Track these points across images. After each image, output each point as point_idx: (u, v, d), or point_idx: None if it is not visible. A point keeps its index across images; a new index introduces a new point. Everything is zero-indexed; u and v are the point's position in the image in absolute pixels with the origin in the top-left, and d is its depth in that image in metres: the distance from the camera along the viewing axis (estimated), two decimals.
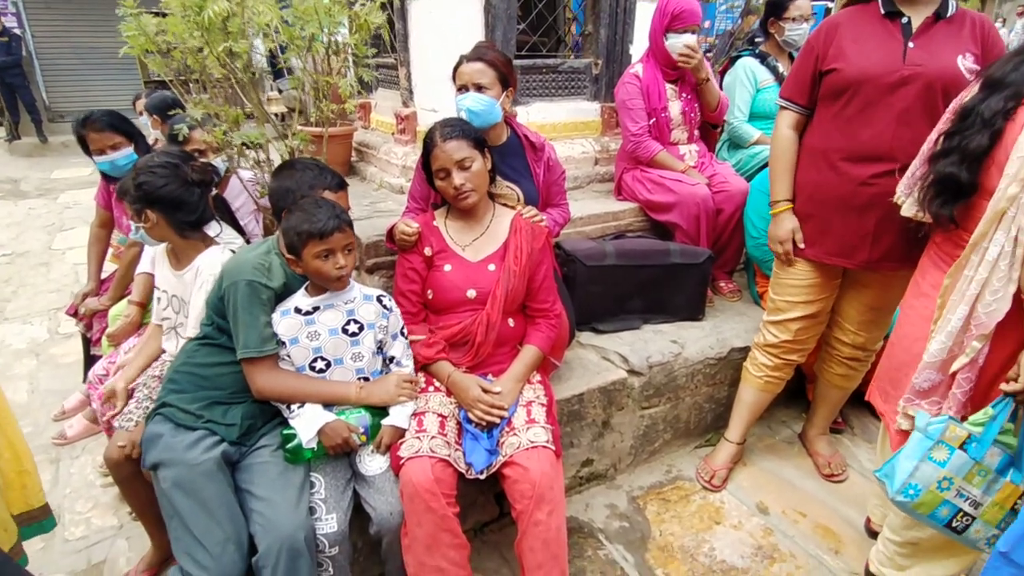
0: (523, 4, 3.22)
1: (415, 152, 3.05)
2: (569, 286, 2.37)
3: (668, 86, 2.78)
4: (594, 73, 3.29)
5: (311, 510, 1.55)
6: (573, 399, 2.12)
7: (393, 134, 3.30)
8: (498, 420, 1.69)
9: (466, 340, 1.82)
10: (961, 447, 1.40)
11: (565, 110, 3.27)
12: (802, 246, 2.02)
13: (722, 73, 3.26)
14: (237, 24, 1.95)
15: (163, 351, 1.94)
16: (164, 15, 2.15)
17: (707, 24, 10.68)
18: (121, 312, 2.29)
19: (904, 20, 1.75)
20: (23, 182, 7.58)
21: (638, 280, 2.50)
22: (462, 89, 2.01)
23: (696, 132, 2.93)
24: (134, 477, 1.77)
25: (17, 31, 9.36)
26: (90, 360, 2.76)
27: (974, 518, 1.42)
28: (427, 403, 1.73)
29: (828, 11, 8.79)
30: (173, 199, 1.74)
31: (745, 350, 2.44)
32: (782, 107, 2.00)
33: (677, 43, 2.64)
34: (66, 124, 10.06)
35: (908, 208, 1.58)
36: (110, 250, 2.87)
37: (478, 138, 1.83)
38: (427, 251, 1.87)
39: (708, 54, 6.79)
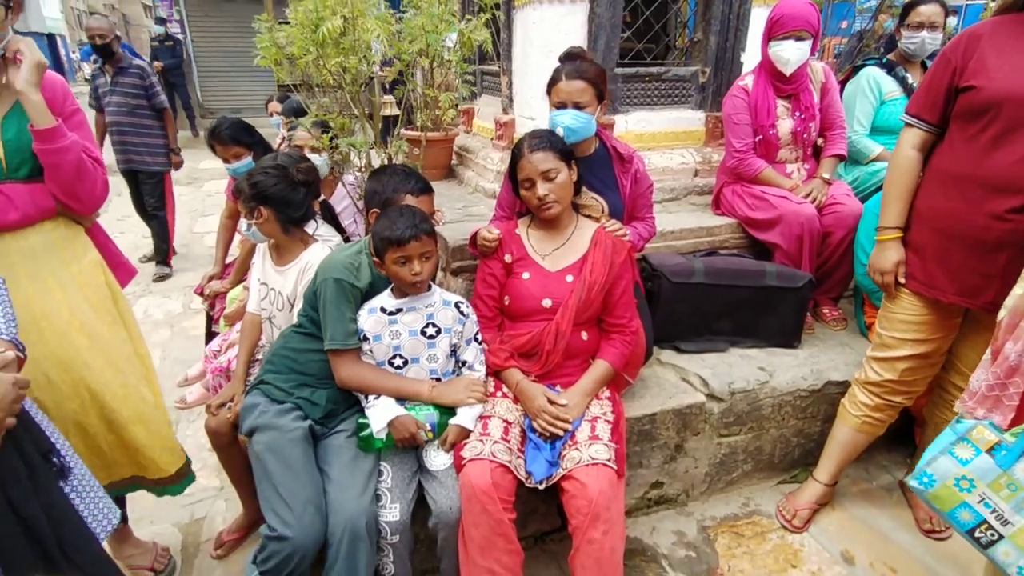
0: (631, 10, 3.18)
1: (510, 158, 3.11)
2: (652, 302, 2.32)
3: (779, 102, 2.62)
4: (700, 81, 3.17)
5: (377, 497, 1.64)
6: (644, 418, 2.07)
7: (492, 140, 3.39)
8: (561, 432, 1.70)
9: (536, 349, 1.84)
10: (989, 451, 1.29)
11: (666, 119, 3.19)
12: (902, 280, 1.84)
13: (843, 83, 3.02)
14: (349, 41, 2.10)
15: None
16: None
17: (844, 24, 9.92)
18: (237, 296, 2.54)
19: None
20: (175, 171, 8.56)
21: (728, 301, 2.39)
22: (560, 106, 2.01)
23: (809, 151, 2.75)
24: (231, 445, 1.97)
25: (180, 36, 10.62)
26: (211, 335, 3.10)
27: (1001, 536, 1.30)
28: (494, 408, 1.77)
29: (987, 8, 7.83)
30: (282, 197, 1.92)
31: (844, 384, 2.25)
32: (907, 124, 1.82)
33: (780, 52, 2.48)
34: (215, 120, 11.29)
35: None
36: (237, 237, 3.20)
37: (565, 150, 1.84)
38: (507, 258, 1.91)
39: (836, 59, 6.30)
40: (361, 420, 1.70)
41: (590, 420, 1.75)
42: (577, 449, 1.67)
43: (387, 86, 6.10)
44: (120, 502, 1.93)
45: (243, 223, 2.04)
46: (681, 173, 3.16)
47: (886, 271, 1.86)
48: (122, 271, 1.95)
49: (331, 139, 2.27)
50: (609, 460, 1.62)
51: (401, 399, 1.72)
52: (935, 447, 1.37)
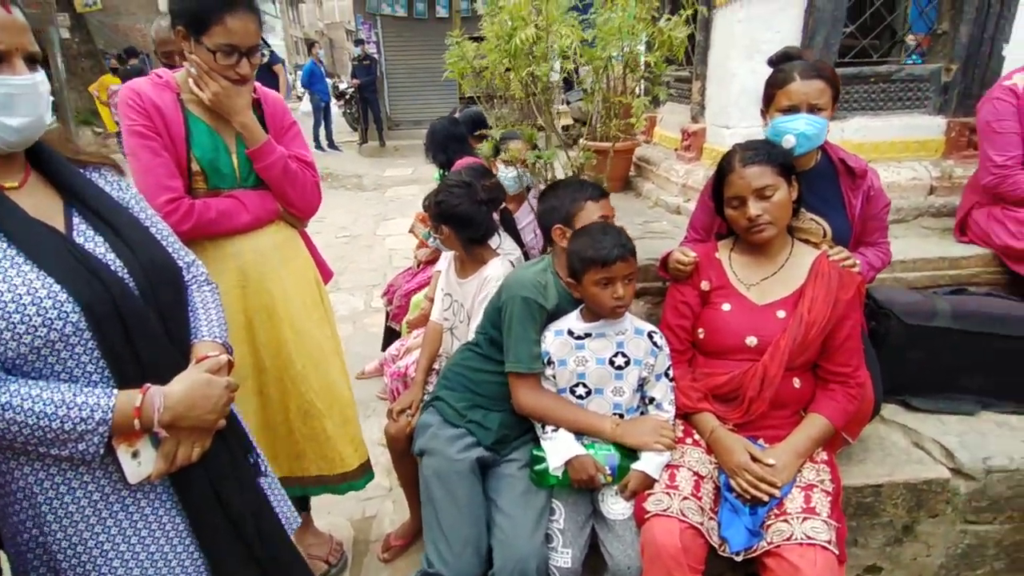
0: (854, 3, 2.76)
1: (698, 170, 2.85)
2: (877, 346, 1.93)
3: None
4: (943, 81, 2.65)
5: (548, 537, 1.53)
6: (866, 489, 1.71)
7: (676, 150, 3.15)
8: (766, 498, 1.43)
9: (736, 393, 1.59)
10: None
11: (893, 126, 2.71)
12: None
13: None
14: (541, 49, 2.03)
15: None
16: (481, 40, 2.38)
17: None
18: (420, 304, 2.61)
19: None
20: (364, 178, 9.43)
21: (982, 351, 1.91)
22: (791, 110, 1.71)
23: None
24: (406, 453, 1.98)
25: (375, 55, 11.69)
26: (388, 331, 3.26)
27: None
28: (683, 457, 1.56)
29: None
30: (463, 217, 1.90)
31: None
32: None
33: None
34: (400, 131, 12.25)
35: None
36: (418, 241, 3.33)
37: (785, 164, 1.57)
38: (704, 285, 1.69)
39: None
40: (536, 452, 1.59)
41: (803, 487, 1.46)
42: (787, 521, 1.39)
43: (563, 97, 6.11)
44: (304, 500, 2.06)
45: (425, 233, 2.06)
46: (911, 190, 2.65)
47: None
48: (323, 271, 2.07)
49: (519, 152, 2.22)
50: (829, 542, 1.33)
51: (580, 433, 1.58)
52: None
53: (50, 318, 0.96)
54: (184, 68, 1.63)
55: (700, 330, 1.68)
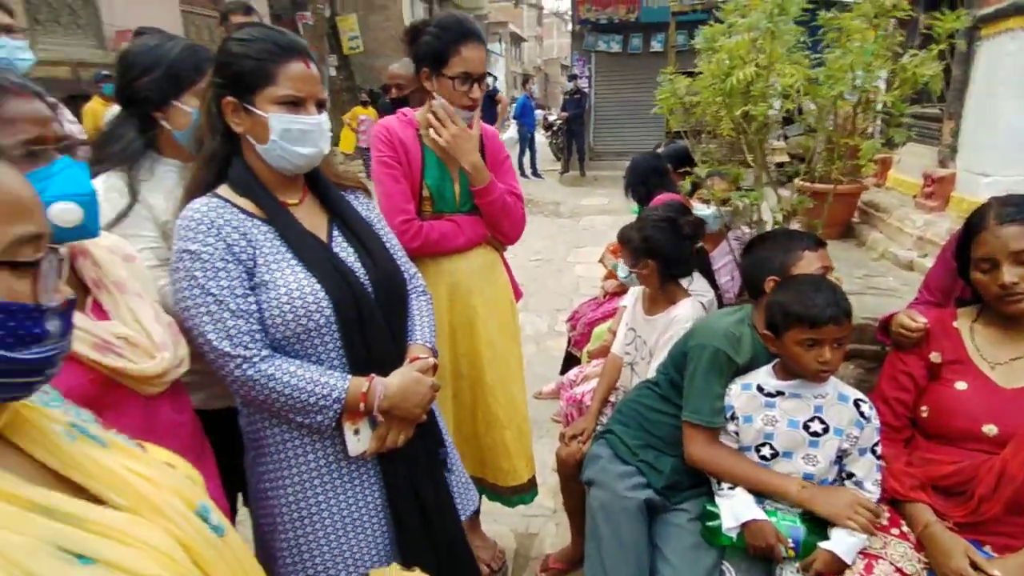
0: None
1: (941, 222, 2.48)
2: None
3: None
4: None
5: None
6: None
7: (915, 197, 2.78)
8: None
9: (964, 488, 1.36)
10: None
11: None
12: None
13: None
14: (759, 88, 1.96)
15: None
16: (693, 74, 2.37)
17: None
18: (602, 334, 2.66)
19: None
20: (562, 205, 9.80)
21: None
22: None
23: None
24: (573, 478, 2.02)
25: (585, 89, 12.15)
26: (567, 357, 3.34)
27: None
28: (885, 547, 1.36)
29: None
30: (669, 253, 1.90)
31: None
32: None
33: None
34: (601, 162, 12.54)
35: None
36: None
37: None
38: (935, 357, 1.47)
39: None
40: (709, 507, 1.52)
41: None
42: None
43: (780, 132, 5.76)
44: None
45: (622, 267, 2.09)
46: None
47: None
48: (515, 291, 2.23)
49: (723, 191, 2.16)
50: None
51: (760, 495, 1.47)
52: None
53: (310, 310, 1.20)
54: (421, 110, 1.91)
55: (924, 408, 1.47)
